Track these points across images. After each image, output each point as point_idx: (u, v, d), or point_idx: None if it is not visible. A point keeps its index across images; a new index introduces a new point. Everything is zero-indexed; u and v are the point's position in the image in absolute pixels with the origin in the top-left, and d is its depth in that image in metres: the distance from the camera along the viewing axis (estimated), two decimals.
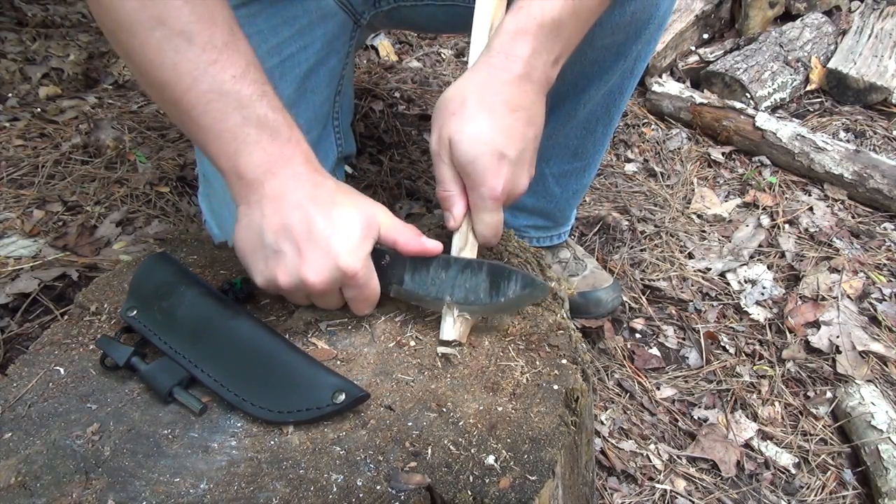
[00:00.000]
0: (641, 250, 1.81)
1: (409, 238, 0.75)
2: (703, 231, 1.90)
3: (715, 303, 1.67)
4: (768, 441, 1.37)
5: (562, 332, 0.77)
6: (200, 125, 0.72)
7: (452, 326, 0.74)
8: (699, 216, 1.96)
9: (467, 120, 0.77)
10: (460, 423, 0.67)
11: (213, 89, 0.70)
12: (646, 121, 2.38)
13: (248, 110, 0.71)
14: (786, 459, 1.33)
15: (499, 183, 0.77)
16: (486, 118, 0.77)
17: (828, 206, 1.99)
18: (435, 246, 0.76)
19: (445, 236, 0.90)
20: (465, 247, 0.81)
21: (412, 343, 0.76)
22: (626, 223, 1.88)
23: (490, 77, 0.79)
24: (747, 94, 2.35)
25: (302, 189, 0.72)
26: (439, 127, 0.79)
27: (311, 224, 0.70)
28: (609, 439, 1.33)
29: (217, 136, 0.72)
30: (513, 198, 0.81)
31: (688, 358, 1.55)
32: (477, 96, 0.78)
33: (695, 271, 1.75)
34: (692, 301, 1.66)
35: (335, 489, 0.61)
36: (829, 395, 1.45)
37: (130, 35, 0.70)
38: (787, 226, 1.91)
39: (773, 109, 2.41)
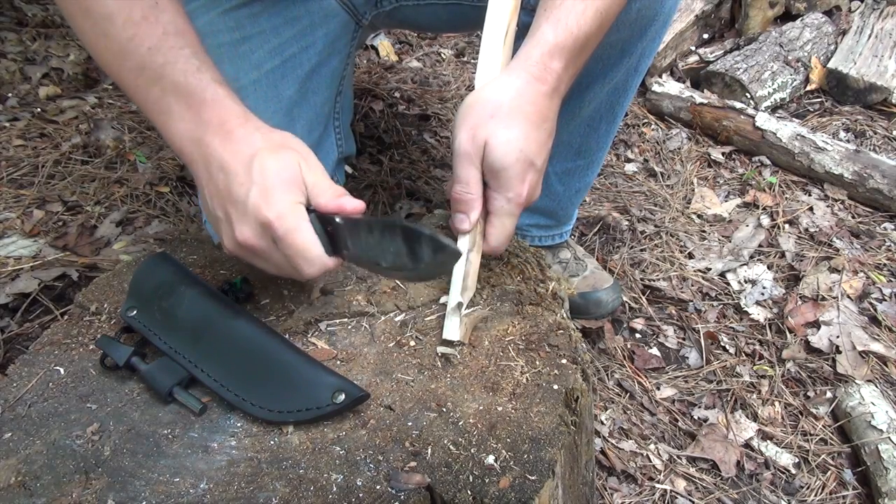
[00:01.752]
0: (641, 250, 1.81)
1: (329, 198, 0.71)
2: (703, 231, 1.90)
3: (715, 303, 1.67)
4: (768, 441, 1.37)
5: (562, 331, 0.77)
6: (138, 103, 0.74)
7: (458, 327, 0.74)
8: (699, 216, 1.96)
9: (505, 125, 0.77)
10: (460, 423, 0.67)
11: (135, 65, 0.71)
12: (646, 121, 2.38)
13: (165, 80, 0.71)
14: (786, 459, 1.33)
15: (524, 190, 0.79)
16: (523, 126, 0.78)
17: (828, 206, 1.99)
18: (353, 205, 0.71)
19: (447, 236, 0.90)
20: (472, 248, 0.81)
21: (412, 343, 0.76)
22: (626, 223, 1.88)
23: (529, 86, 0.79)
24: (747, 94, 2.35)
25: (226, 149, 0.71)
26: (473, 127, 0.79)
27: (231, 184, 0.69)
28: (609, 439, 1.33)
29: (149, 111, 0.73)
30: (528, 205, 0.82)
31: (688, 358, 1.55)
32: (516, 103, 0.79)
33: (695, 271, 1.75)
34: (692, 301, 1.66)
35: (335, 489, 0.61)
36: (829, 395, 1.45)
37: (74, 27, 0.73)
38: (787, 226, 1.91)
39: (773, 109, 2.41)
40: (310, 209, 0.71)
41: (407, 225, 0.69)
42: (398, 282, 0.84)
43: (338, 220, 0.71)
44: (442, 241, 0.67)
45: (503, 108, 0.78)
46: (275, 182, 0.68)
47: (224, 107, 0.73)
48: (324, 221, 0.72)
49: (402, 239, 0.69)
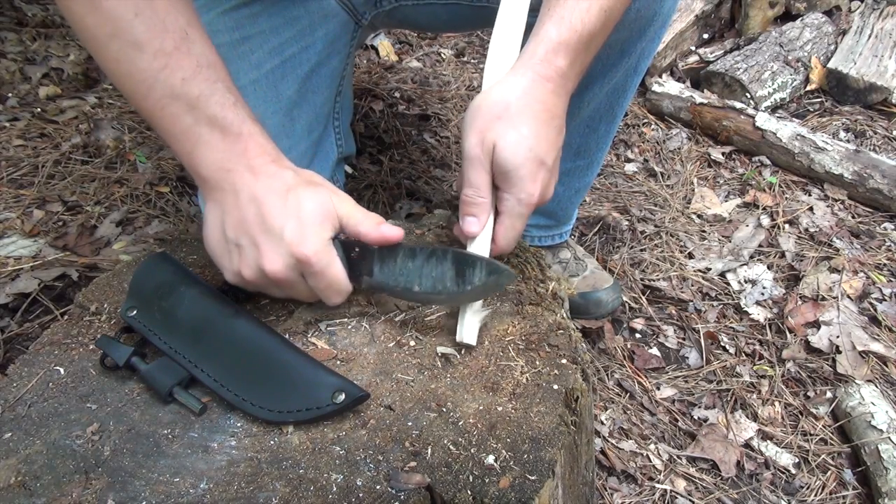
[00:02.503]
0: (641, 250, 1.81)
1: (370, 227, 0.74)
2: (703, 231, 1.90)
3: (715, 303, 1.67)
4: (768, 441, 1.37)
5: (562, 331, 0.77)
6: (161, 129, 0.74)
7: (476, 329, 0.74)
8: (699, 216, 1.96)
9: (514, 125, 0.77)
10: (460, 423, 0.67)
11: (165, 94, 0.71)
12: (646, 121, 2.38)
13: (198, 111, 0.72)
14: (786, 459, 1.33)
15: (536, 189, 0.79)
16: (532, 125, 0.78)
17: (828, 206, 1.99)
18: (394, 233, 0.75)
19: (445, 236, 0.90)
20: (483, 248, 0.80)
21: (412, 343, 0.76)
22: (626, 223, 1.88)
23: (535, 84, 0.79)
24: (747, 94, 2.35)
25: (257, 182, 0.72)
26: (481, 130, 0.78)
27: (264, 215, 0.70)
28: (609, 439, 1.33)
29: (175, 138, 0.74)
30: (542, 204, 0.82)
31: (688, 358, 1.55)
32: (523, 102, 0.78)
33: (695, 271, 1.75)
34: (692, 301, 1.66)
35: (335, 489, 0.61)
36: (829, 395, 1.45)
37: (95, 50, 0.73)
38: (787, 226, 1.91)
39: (773, 109, 2.41)
40: (334, 238, 0.73)
41: (459, 250, 0.75)
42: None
43: (370, 248, 0.75)
44: (498, 264, 0.73)
45: (511, 109, 0.78)
46: (311, 218, 0.71)
47: (258, 143, 0.75)
48: (346, 247, 0.75)
49: (452, 263, 0.74)
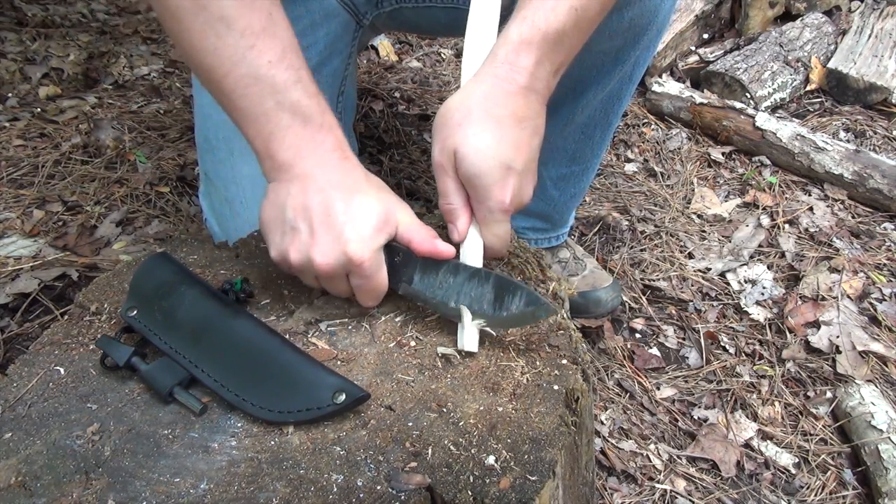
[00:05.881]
0: (641, 250, 1.81)
1: (424, 238, 0.76)
2: (703, 231, 1.90)
3: (715, 303, 1.67)
4: (768, 441, 1.37)
5: (562, 332, 0.77)
6: (238, 108, 0.74)
7: (475, 336, 0.74)
8: (699, 216, 1.96)
9: (473, 132, 0.76)
10: (460, 424, 0.67)
11: (249, 74, 0.72)
12: (646, 121, 2.38)
13: (283, 95, 0.73)
14: (786, 459, 1.33)
15: (506, 196, 0.77)
16: (493, 130, 0.76)
17: (828, 206, 1.99)
18: (447, 249, 0.76)
19: (446, 237, 0.90)
20: (475, 253, 0.81)
21: (412, 343, 0.76)
22: (626, 223, 1.88)
23: (495, 88, 0.78)
24: (747, 94, 2.35)
25: (329, 174, 0.74)
26: (443, 138, 0.78)
27: (329, 208, 0.72)
28: (609, 439, 1.33)
29: (253, 119, 0.74)
30: (519, 208, 0.81)
31: (688, 358, 1.55)
32: (482, 108, 0.77)
33: (695, 271, 1.75)
34: (692, 301, 1.66)
35: (335, 489, 0.61)
36: (829, 395, 1.45)
37: (177, 20, 0.73)
38: (787, 226, 1.91)
39: (773, 109, 2.41)
40: None
41: (503, 275, 0.75)
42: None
43: (413, 256, 0.76)
44: (538, 296, 0.73)
45: (472, 115, 0.77)
46: (372, 223, 0.73)
47: (336, 137, 0.76)
48: (391, 252, 0.76)
49: (493, 286, 0.74)
